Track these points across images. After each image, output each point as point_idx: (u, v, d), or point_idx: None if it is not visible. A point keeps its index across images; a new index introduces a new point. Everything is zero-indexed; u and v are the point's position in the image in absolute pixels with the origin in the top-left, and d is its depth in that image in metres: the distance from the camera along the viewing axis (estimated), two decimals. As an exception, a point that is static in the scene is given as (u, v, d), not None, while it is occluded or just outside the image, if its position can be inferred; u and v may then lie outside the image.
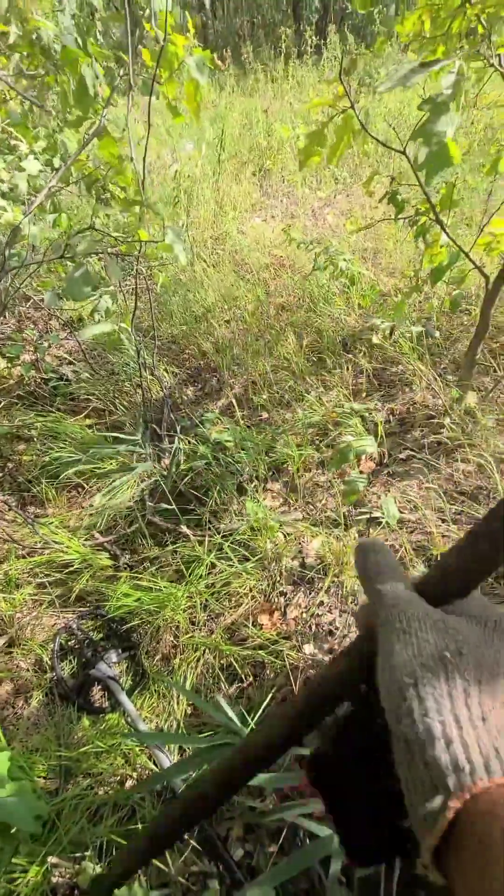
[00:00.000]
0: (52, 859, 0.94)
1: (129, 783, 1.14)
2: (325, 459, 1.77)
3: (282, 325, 2.38)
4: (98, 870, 0.96)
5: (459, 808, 0.20)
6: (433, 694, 0.23)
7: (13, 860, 0.88)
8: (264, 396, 2.02)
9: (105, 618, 1.47)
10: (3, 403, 2.11)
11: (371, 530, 1.55)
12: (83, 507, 1.80)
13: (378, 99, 4.51)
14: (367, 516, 1.57)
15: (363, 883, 0.82)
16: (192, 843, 0.98)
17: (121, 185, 1.73)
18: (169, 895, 0.95)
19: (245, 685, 1.28)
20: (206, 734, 1.13)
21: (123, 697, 1.26)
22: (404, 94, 4.68)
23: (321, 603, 1.41)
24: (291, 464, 1.76)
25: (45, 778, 1.14)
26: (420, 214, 1.60)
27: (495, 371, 1.95)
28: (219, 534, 1.58)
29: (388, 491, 1.65)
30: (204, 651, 1.33)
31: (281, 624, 1.37)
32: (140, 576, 1.49)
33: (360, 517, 1.58)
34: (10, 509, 1.71)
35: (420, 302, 2.37)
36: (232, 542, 1.52)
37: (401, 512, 1.57)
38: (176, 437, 1.88)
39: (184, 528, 1.62)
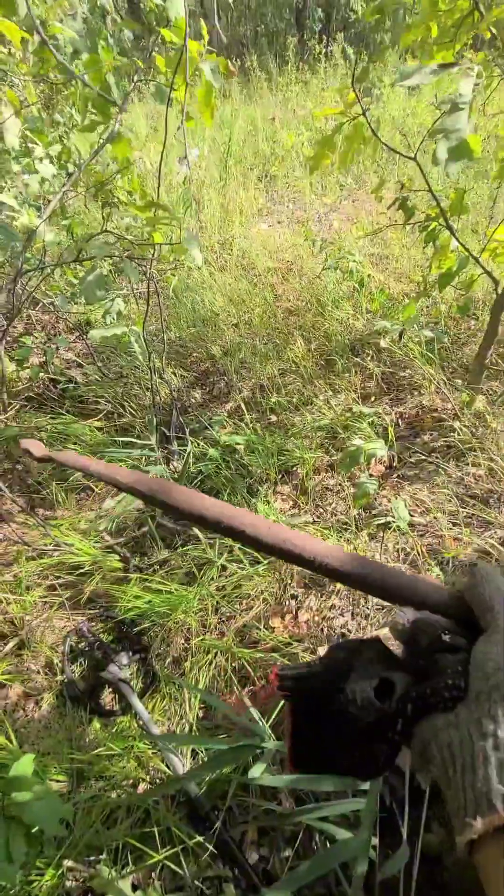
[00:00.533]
0: (67, 862, 0.94)
1: (141, 786, 1.14)
2: (335, 462, 1.77)
3: (289, 329, 2.39)
4: (113, 874, 0.95)
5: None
6: None
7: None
8: (273, 399, 2.02)
9: (115, 620, 1.46)
10: (12, 406, 2.11)
11: (382, 533, 1.55)
12: (93, 510, 1.80)
13: (382, 106, 4.54)
14: (380, 521, 1.57)
15: (384, 888, 0.82)
16: (208, 846, 0.97)
17: (127, 190, 1.75)
18: (184, 900, 0.95)
19: (257, 688, 1.27)
20: (220, 737, 1.13)
21: (135, 700, 1.25)
22: (408, 101, 4.72)
23: (333, 606, 1.40)
24: (301, 467, 1.76)
25: (57, 781, 1.13)
26: (430, 220, 1.61)
27: (504, 375, 1.96)
28: (229, 536, 1.57)
29: (399, 494, 1.65)
30: (216, 654, 1.33)
31: (293, 627, 1.37)
32: (150, 578, 1.49)
33: (370, 520, 1.58)
34: (20, 511, 1.71)
35: (427, 307, 2.38)
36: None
37: (411, 515, 1.57)
38: (187, 440, 1.88)
39: (194, 530, 1.62)
